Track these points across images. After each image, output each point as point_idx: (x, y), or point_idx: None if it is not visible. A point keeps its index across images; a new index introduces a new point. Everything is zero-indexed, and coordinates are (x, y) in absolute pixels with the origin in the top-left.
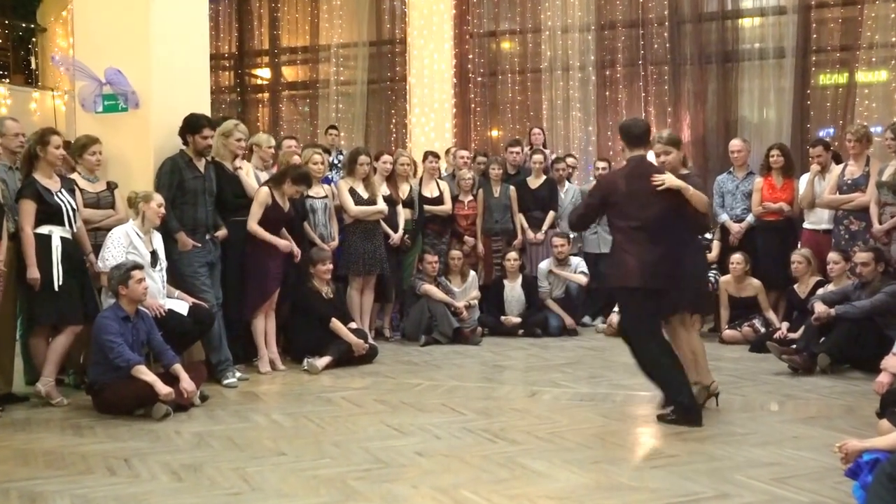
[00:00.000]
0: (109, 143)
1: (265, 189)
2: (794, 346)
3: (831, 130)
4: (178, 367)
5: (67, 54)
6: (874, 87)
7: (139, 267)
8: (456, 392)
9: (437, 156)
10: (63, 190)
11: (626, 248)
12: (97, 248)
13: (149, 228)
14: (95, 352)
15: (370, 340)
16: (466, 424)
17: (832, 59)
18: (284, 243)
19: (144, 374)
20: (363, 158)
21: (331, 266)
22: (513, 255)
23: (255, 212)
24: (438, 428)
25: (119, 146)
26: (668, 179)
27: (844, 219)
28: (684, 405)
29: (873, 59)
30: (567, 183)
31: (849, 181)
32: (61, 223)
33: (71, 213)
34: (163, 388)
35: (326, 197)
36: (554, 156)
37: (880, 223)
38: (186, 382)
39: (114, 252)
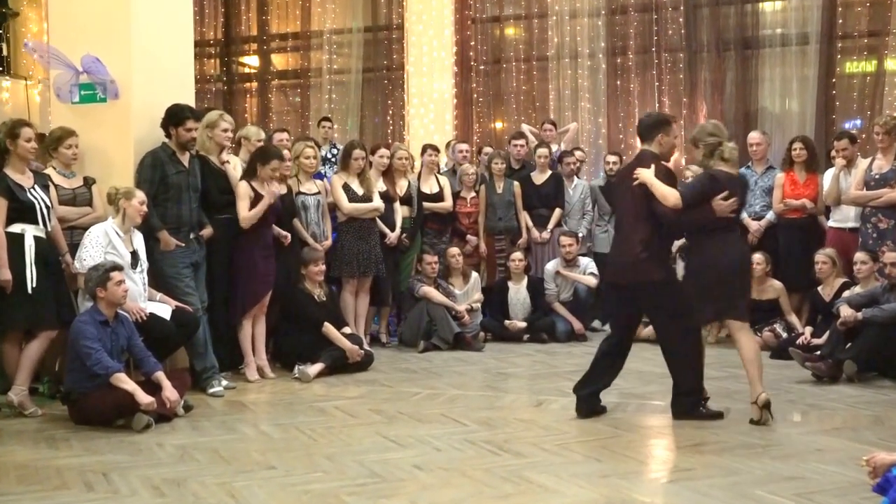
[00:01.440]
0: (87, 136)
1: (244, 183)
2: (819, 352)
3: (858, 122)
4: (160, 375)
5: (41, 40)
6: None
7: (119, 268)
8: (457, 401)
9: (436, 149)
10: (36, 186)
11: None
12: (73, 248)
13: (129, 227)
14: (72, 359)
15: (365, 346)
16: (468, 436)
17: (859, 45)
18: (283, 233)
19: (124, 382)
20: (358, 152)
21: (323, 267)
22: (518, 255)
23: (242, 206)
24: (438, 440)
25: (97, 139)
26: (642, 174)
27: (872, 216)
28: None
29: None
30: (576, 178)
31: (876, 176)
32: (34, 221)
33: (45, 211)
34: (144, 398)
35: (319, 193)
36: (565, 139)
37: None
38: (169, 391)
39: (92, 252)
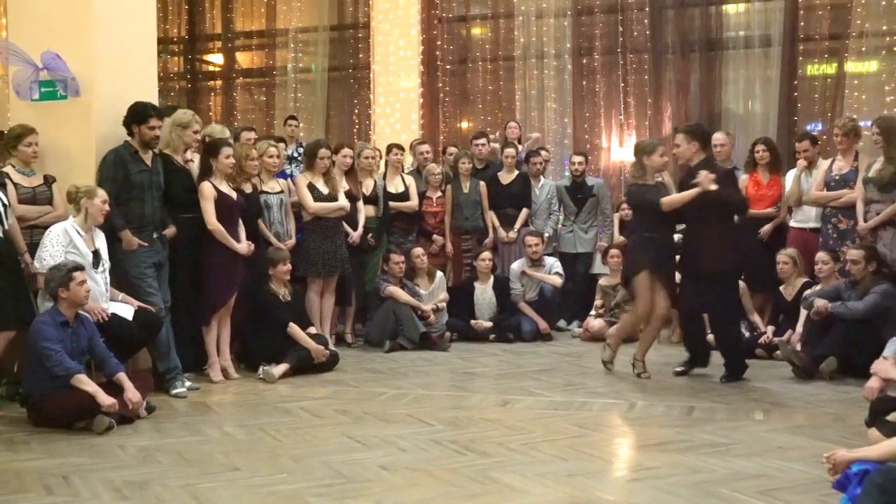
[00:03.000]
0: (47, 134)
1: (206, 183)
2: (798, 346)
3: (819, 125)
4: (122, 376)
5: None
6: (864, 77)
7: (81, 268)
8: (423, 401)
9: (401, 148)
10: None
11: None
12: (33, 247)
13: (91, 226)
14: (31, 360)
15: (331, 346)
16: (434, 436)
17: (821, 48)
18: (244, 247)
19: (85, 383)
20: (324, 152)
21: (290, 266)
22: (486, 254)
23: (208, 209)
24: (404, 440)
25: (58, 137)
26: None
27: (832, 217)
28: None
29: (863, 49)
30: (542, 178)
31: (837, 177)
32: None
33: (2, 210)
34: (105, 399)
35: (282, 192)
36: (532, 143)
37: (866, 221)
38: (131, 392)
39: (52, 251)
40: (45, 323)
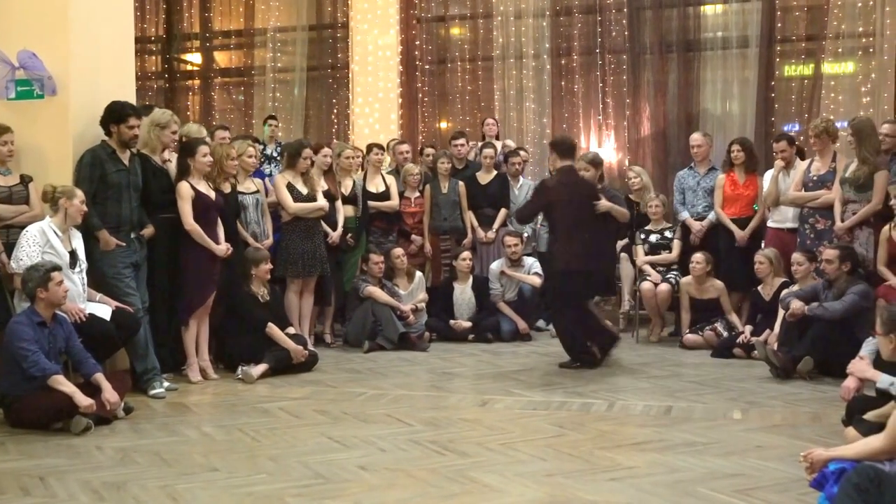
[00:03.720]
0: (23, 133)
1: (183, 183)
2: (775, 345)
3: (796, 126)
4: (99, 377)
5: None
6: (840, 79)
7: (58, 268)
8: (402, 401)
9: (382, 148)
10: None
11: (564, 241)
12: (9, 248)
13: (69, 226)
14: (7, 361)
15: (310, 346)
16: (413, 436)
17: (798, 49)
18: (222, 249)
19: (62, 384)
20: (307, 152)
21: (270, 266)
22: (466, 254)
23: (185, 209)
24: (383, 440)
25: (34, 136)
26: (603, 205)
27: (810, 217)
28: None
29: (840, 50)
30: (521, 178)
31: (815, 178)
32: None
33: None
34: (83, 400)
35: (258, 192)
36: (504, 148)
37: (843, 221)
38: (109, 393)
39: (29, 251)
40: (21, 323)
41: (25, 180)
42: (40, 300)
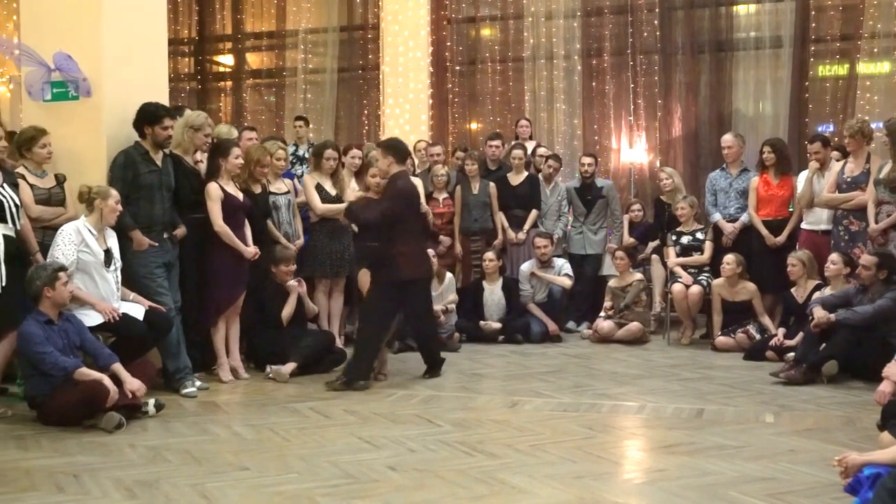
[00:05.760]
0: (58, 134)
1: (212, 184)
2: (793, 353)
3: (830, 127)
4: (118, 367)
5: (12, 37)
6: (876, 79)
7: (65, 268)
8: (431, 402)
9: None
10: (6, 184)
11: (408, 246)
12: (45, 248)
13: (103, 226)
14: (26, 365)
15: (339, 345)
16: (442, 437)
17: (832, 49)
18: (251, 252)
19: (88, 374)
20: (330, 153)
21: (294, 267)
22: (490, 255)
23: (215, 210)
24: (412, 440)
25: (69, 137)
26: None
27: (844, 219)
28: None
29: (875, 50)
30: (555, 181)
31: (848, 179)
32: (3, 220)
33: (14, 210)
34: (111, 385)
35: (289, 192)
36: (536, 155)
37: (877, 223)
38: (129, 383)
39: (65, 250)
40: (30, 326)
41: (60, 180)
42: (46, 299)
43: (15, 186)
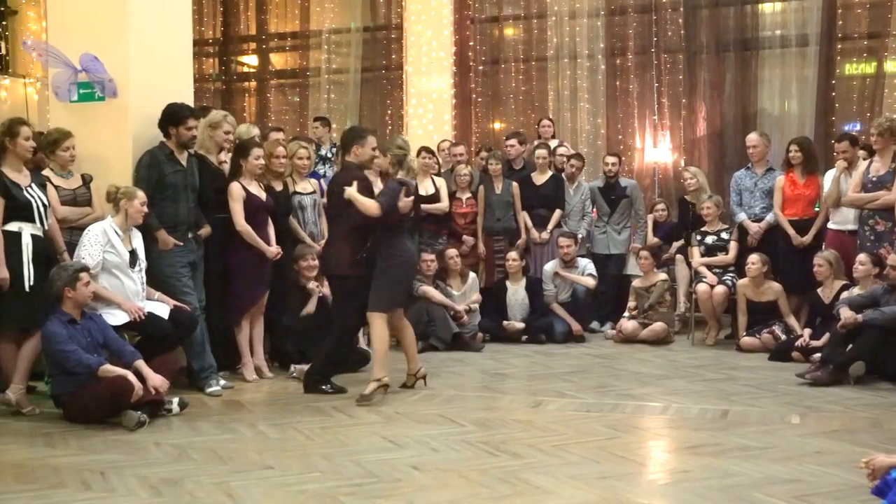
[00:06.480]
0: (85, 135)
1: (235, 184)
2: (818, 354)
3: (857, 125)
4: (140, 364)
5: (40, 39)
6: None
7: (87, 269)
8: (454, 402)
9: (431, 151)
10: (33, 185)
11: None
12: (72, 248)
13: (129, 226)
14: (51, 365)
15: (362, 346)
16: (465, 436)
17: (859, 47)
18: (273, 251)
19: (112, 370)
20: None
21: (315, 263)
22: (513, 254)
23: (237, 210)
24: (435, 440)
25: (95, 138)
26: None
27: (869, 219)
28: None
29: None
30: (578, 181)
31: (874, 178)
32: (31, 220)
33: (42, 210)
34: (135, 381)
35: (314, 192)
36: (559, 155)
37: None
38: (152, 379)
39: (91, 250)
40: (53, 326)
41: (86, 180)
42: (67, 299)
43: (43, 187)
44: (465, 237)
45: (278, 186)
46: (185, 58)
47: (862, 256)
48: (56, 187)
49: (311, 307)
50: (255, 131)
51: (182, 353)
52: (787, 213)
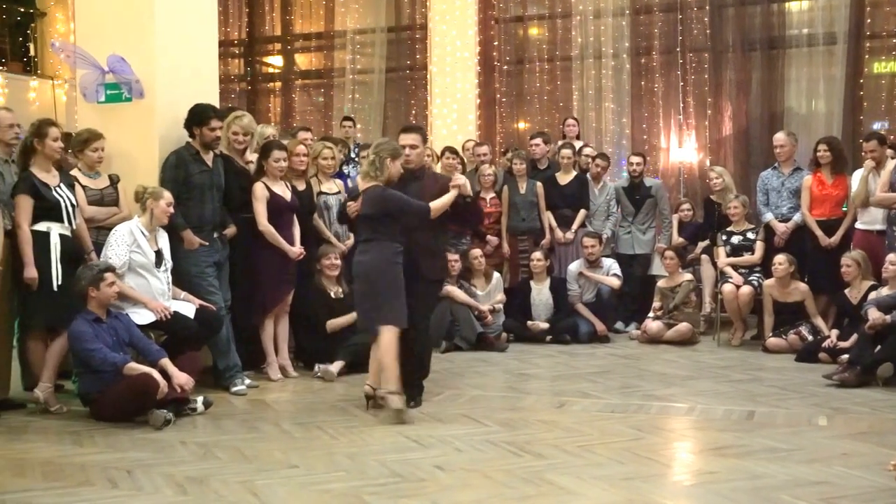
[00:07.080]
0: (112, 135)
1: (258, 184)
2: (846, 356)
3: (886, 124)
4: (165, 362)
5: (68, 40)
6: None
7: (112, 269)
8: (478, 402)
9: (455, 152)
10: (62, 185)
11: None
12: (99, 248)
13: (155, 226)
14: (77, 364)
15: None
16: (489, 437)
17: (888, 45)
18: (296, 251)
19: (137, 368)
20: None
21: (337, 262)
22: (537, 254)
23: (260, 210)
24: (459, 440)
25: (122, 138)
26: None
27: None
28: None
29: None
30: (604, 180)
31: None
32: (60, 220)
33: (70, 210)
34: (161, 378)
35: (339, 192)
36: (583, 155)
37: None
38: (177, 377)
39: (118, 250)
40: (79, 325)
41: (114, 180)
42: (91, 299)
43: (71, 187)
44: (489, 237)
45: (300, 186)
46: (211, 59)
47: (891, 256)
48: (84, 187)
49: (343, 320)
50: (270, 130)
51: (207, 353)
52: (814, 214)
